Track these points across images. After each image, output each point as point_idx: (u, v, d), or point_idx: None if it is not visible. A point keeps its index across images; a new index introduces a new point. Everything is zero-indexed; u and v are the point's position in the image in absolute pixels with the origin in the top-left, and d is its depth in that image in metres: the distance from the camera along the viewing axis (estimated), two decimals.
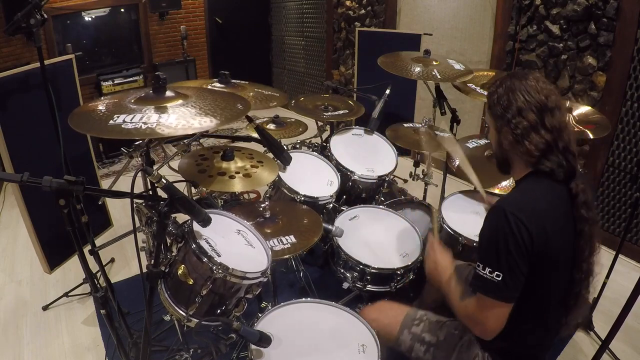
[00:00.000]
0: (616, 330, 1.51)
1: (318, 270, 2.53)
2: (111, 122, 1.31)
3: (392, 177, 2.38)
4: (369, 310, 1.54)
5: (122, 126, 1.28)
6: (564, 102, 1.19)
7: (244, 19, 5.84)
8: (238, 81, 2.10)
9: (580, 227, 1.17)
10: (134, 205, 1.52)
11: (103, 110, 1.41)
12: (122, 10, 4.84)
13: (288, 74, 6.03)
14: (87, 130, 1.45)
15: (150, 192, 1.87)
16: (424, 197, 2.69)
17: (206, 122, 1.35)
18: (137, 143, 1.70)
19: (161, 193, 1.28)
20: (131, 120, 1.31)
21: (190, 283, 1.31)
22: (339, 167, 2.23)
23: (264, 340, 1.27)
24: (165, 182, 1.20)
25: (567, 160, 1.16)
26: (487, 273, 1.12)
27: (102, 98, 1.59)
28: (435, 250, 1.46)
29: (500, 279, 1.10)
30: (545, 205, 1.15)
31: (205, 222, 1.28)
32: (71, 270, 2.54)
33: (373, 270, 1.80)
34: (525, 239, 1.09)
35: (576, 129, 1.97)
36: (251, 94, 1.99)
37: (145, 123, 1.30)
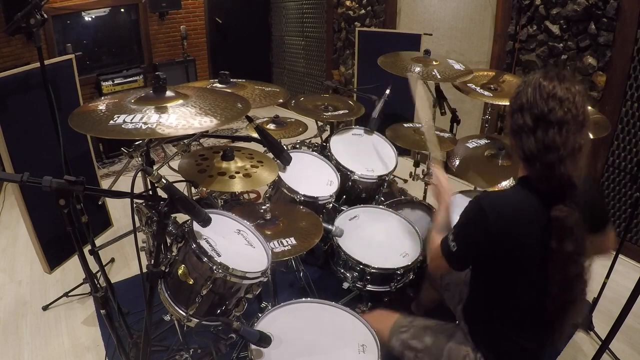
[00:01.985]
0: (616, 330, 1.51)
1: (318, 270, 2.53)
2: (111, 122, 1.31)
3: (392, 177, 2.38)
4: (365, 318, 1.55)
5: (123, 126, 1.28)
6: (573, 123, 1.08)
7: (244, 19, 5.84)
8: (237, 80, 2.09)
9: (551, 254, 1.11)
10: (134, 205, 1.52)
11: (103, 111, 1.41)
12: (122, 10, 4.84)
13: (288, 74, 6.03)
14: (87, 131, 1.44)
15: (150, 192, 1.87)
16: (424, 197, 2.69)
17: (206, 122, 1.35)
18: (137, 143, 1.70)
19: (161, 193, 1.28)
20: (131, 120, 1.31)
21: (191, 283, 1.31)
22: (339, 167, 2.23)
23: (264, 340, 1.27)
24: (165, 182, 1.20)
25: (548, 181, 1.10)
26: (449, 240, 1.26)
27: (102, 98, 1.59)
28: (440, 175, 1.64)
29: (455, 249, 1.24)
30: (518, 212, 1.14)
31: (205, 222, 1.28)
32: (71, 270, 2.54)
33: (373, 270, 1.80)
34: (482, 232, 1.16)
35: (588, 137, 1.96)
36: (255, 92, 1.99)
37: (145, 123, 1.30)
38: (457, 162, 2.18)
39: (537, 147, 1.10)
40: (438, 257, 1.30)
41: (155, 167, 1.65)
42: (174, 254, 1.37)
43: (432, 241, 1.39)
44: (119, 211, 3.05)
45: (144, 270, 1.29)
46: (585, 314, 2.15)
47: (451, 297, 1.62)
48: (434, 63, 2.33)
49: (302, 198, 1.98)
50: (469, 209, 1.22)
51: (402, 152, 2.47)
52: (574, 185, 1.10)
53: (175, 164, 1.86)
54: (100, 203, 2.61)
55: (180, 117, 1.35)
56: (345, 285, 1.87)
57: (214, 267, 1.28)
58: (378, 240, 1.98)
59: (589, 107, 2.13)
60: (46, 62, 1.99)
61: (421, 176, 2.61)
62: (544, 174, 1.11)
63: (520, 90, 1.17)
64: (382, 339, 1.45)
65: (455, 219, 1.97)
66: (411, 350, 1.42)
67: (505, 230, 1.13)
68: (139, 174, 1.64)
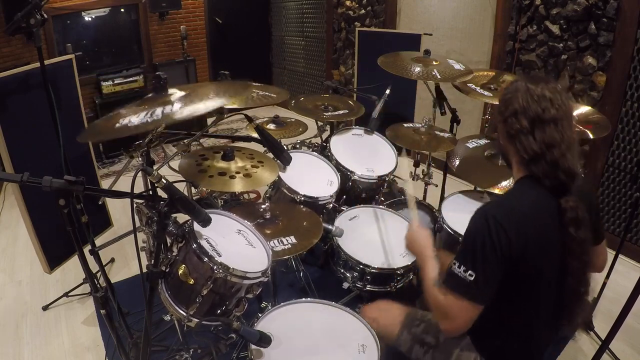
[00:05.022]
0: (616, 330, 1.51)
1: (318, 270, 2.53)
2: (117, 125, 1.32)
3: (392, 177, 2.38)
4: (369, 309, 1.54)
5: (129, 125, 1.29)
6: (565, 119, 1.14)
7: (244, 19, 5.84)
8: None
9: (568, 244, 1.14)
10: (134, 205, 1.52)
11: (110, 121, 1.43)
12: (122, 10, 4.84)
13: (288, 74, 6.03)
14: (96, 138, 1.48)
15: (150, 192, 1.87)
16: (424, 197, 2.69)
17: (212, 103, 1.36)
18: (137, 143, 1.70)
19: (161, 193, 1.28)
20: (137, 117, 1.32)
21: (191, 283, 1.31)
22: (339, 167, 2.23)
23: (264, 340, 1.27)
24: (165, 182, 1.20)
25: (555, 176, 1.13)
26: (461, 272, 1.13)
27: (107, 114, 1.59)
28: (414, 228, 1.48)
29: (472, 278, 1.11)
30: (529, 211, 1.14)
31: (205, 222, 1.28)
32: (71, 270, 2.54)
33: (373, 270, 1.80)
34: (503, 243, 1.09)
35: (576, 129, 1.97)
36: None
37: (151, 116, 1.31)
38: (457, 162, 2.18)
39: (539, 146, 1.14)
40: (452, 304, 1.14)
41: (155, 167, 1.65)
42: (174, 253, 1.37)
43: (435, 298, 1.20)
44: (119, 211, 3.05)
45: (144, 270, 1.29)
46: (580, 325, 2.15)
47: None
48: (434, 63, 2.32)
49: (302, 198, 1.98)
50: (476, 226, 1.14)
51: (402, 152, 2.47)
52: (575, 175, 1.14)
53: (175, 164, 1.86)
54: (100, 203, 2.61)
55: (185, 105, 1.36)
56: (345, 285, 1.87)
57: (215, 267, 1.28)
58: (378, 240, 1.98)
59: (589, 108, 2.15)
60: (46, 62, 1.99)
61: (421, 176, 2.62)
62: (550, 169, 1.14)
63: (509, 97, 1.20)
64: (389, 332, 1.43)
65: (452, 217, 1.98)
66: (423, 345, 1.39)
67: (524, 230, 1.10)
68: (139, 174, 1.64)
